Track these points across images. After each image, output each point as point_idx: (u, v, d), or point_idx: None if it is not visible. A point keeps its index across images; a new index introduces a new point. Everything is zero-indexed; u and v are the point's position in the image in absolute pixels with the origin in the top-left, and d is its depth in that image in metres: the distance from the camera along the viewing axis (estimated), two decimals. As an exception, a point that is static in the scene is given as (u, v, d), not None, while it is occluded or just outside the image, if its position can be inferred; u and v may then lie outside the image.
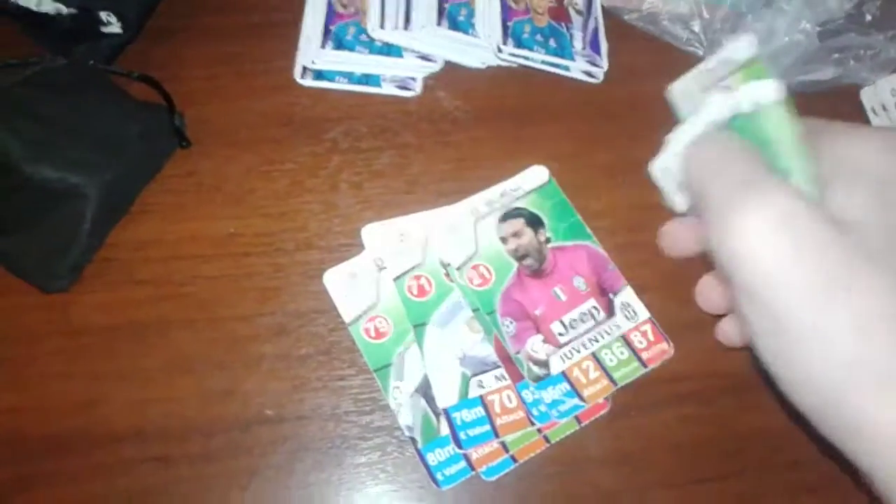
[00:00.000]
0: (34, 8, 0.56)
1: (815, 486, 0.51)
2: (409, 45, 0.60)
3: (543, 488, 0.50)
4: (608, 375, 0.53)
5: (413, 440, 0.50)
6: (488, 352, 0.52)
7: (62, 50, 0.57)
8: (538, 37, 0.62)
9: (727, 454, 0.52)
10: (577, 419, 0.51)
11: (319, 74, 0.61)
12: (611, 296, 0.55)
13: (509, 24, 0.61)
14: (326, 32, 0.60)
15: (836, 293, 0.24)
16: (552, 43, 0.62)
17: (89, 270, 0.54)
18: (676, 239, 0.36)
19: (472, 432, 0.50)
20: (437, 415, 0.51)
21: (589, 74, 0.62)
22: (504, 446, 0.50)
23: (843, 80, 0.63)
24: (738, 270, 0.26)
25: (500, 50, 0.60)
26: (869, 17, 0.62)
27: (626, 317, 0.54)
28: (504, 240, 0.56)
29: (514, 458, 0.50)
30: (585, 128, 0.61)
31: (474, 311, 0.53)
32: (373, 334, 0.52)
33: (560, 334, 0.53)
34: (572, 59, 0.62)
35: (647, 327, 0.54)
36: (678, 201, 0.33)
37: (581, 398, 0.51)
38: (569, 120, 0.61)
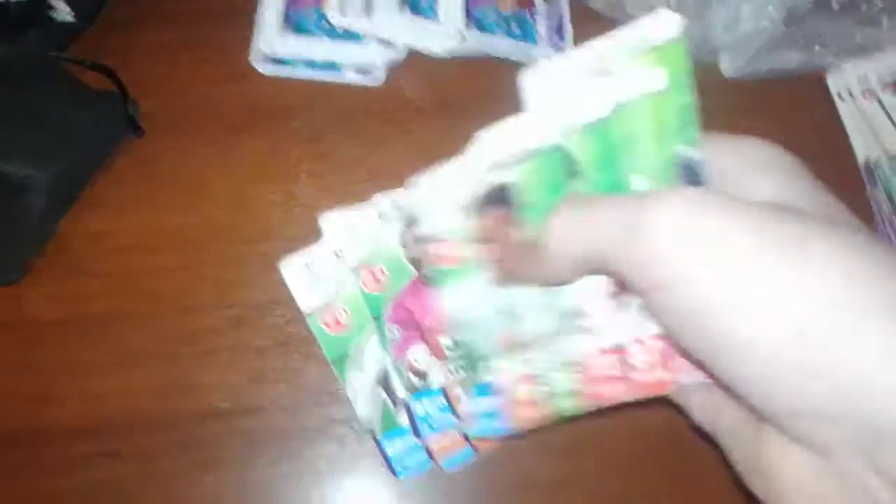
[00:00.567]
0: (-20, -7, 0.55)
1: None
2: (371, 31, 0.59)
3: (504, 478, 0.50)
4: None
5: (372, 431, 0.49)
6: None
7: (10, 37, 0.55)
8: (502, 22, 0.61)
9: (681, 439, 0.51)
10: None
11: (278, 61, 0.59)
12: None
13: (473, 9, 0.60)
14: (285, 18, 0.59)
15: (788, 251, 0.24)
16: (516, 29, 0.61)
17: (40, 263, 0.52)
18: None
19: (435, 423, 0.49)
20: (396, 406, 0.50)
21: (553, 61, 0.62)
22: (465, 436, 0.49)
23: (810, 66, 0.62)
24: (655, 269, 0.25)
25: (463, 36, 0.59)
26: (835, 2, 0.61)
27: None
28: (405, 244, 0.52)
29: (474, 448, 0.49)
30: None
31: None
32: (331, 325, 0.51)
33: (448, 348, 0.49)
34: (536, 44, 0.61)
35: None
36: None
37: (455, 414, 0.49)
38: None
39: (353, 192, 0.56)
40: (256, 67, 0.59)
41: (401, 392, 0.50)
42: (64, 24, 0.57)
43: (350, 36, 0.59)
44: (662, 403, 0.51)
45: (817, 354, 0.23)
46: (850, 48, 0.62)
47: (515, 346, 0.36)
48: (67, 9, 0.57)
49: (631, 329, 0.33)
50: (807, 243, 0.24)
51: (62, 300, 0.52)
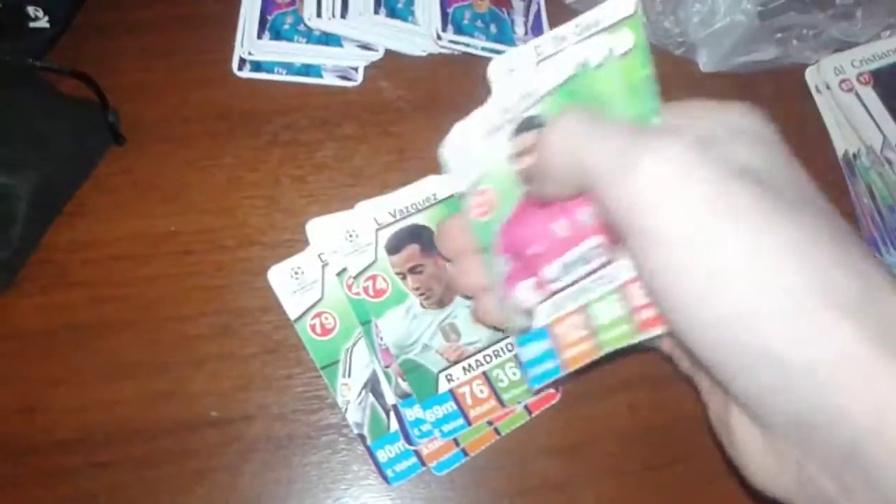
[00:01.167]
0: (-45, 3, 0.54)
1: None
2: (347, 33, 0.59)
3: (494, 481, 0.50)
4: (595, 336, 0.40)
5: (362, 437, 0.50)
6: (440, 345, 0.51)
7: (-15, 46, 0.55)
8: (479, 23, 0.61)
9: (677, 440, 0.52)
10: (528, 409, 0.51)
11: (257, 66, 0.59)
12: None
13: (449, 10, 0.60)
14: (263, 22, 0.59)
15: (751, 224, 0.25)
16: (493, 29, 0.61)
17: (24, 273, 0.52)
18: (454, 236, 0.38)
19: (425, 427, 0.50)
20: (386, 411, 0.50)
21: (532, 59, 0.62)
22: (455, 440, 0.50)
23: (786, 60, 0.63)
24: (647, 217, 0.26)
25: (439, 37, 0.59)
26: (808, -3, 0.62)
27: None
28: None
29: (464, 452, 0.50)
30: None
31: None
32: (319, 331, 0.52)
33: (552, 280, 0.40)
34: (514, 44, 0.61)
35: None
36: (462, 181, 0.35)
37: (562, 360, 0.41)
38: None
39: (335, 196, 0.56)
40: (235, 72, 0.59)
41: (390, 397, 0.50)
42: (39, 32, 0.57)
43: (328, 39, 0.59)
44: (664, 404, 0.52)
45: (760, 337, 0.24)
46: (826, 42, 0.63)
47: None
48: (43, 15, 0.56)
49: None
50: (771, 227, 0.25)
51: (48, 310, 0.52)
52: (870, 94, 0.62)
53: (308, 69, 0.60)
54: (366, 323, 0.51)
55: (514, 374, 0.51)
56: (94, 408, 0.50)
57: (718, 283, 0.25)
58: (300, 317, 0.52)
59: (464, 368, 0.51)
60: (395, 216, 0.53)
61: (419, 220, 0.53)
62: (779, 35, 0.62)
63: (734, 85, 0.63)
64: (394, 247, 0.52)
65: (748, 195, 0.25)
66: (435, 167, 0.56)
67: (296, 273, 0.53)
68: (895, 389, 0.23)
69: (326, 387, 0.51)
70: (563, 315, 0.39)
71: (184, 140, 0.57)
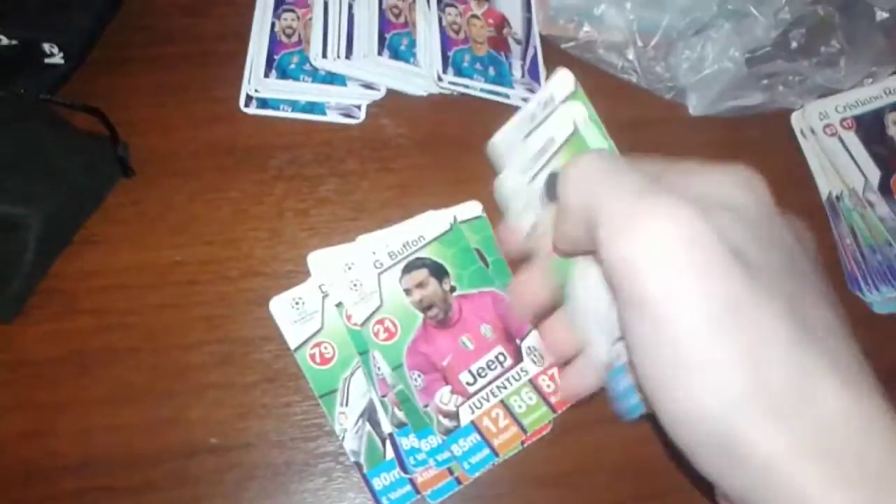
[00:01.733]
0: (-28, 38, 0.56)
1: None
2: (351, 73, 0.61)
3: (487, 510, 0.51)
4: (518, 423, 0.53)
5: (358, 465, 0.51)
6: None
7: (1, 81, 0.57)
8: (478, 65, 0.63)
9: (669, 470, 0.53)
10: (521, 441, 0.53)
11: (264, 103, 0.61)
12: (518, 341, 0.55)
13: (449, 53, 0.62)
14: (270, 61, 0.61)
15: (732, 320, 0.24)
16: (492, 71, 0.63)
17: (33, 302, 0.54)
18: (530, 291, 0.36)
19: (420, 456, 0.51)
20: (382, 440, 0.51)
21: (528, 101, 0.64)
22: (448, 469, 0.51)
23: (773, 105, 0.65)
24: (631, 283, 0.25)
25: (440, 79, 0.61)
26: (795, 45, 0.64)
27: (533, 361, 0.55)
28: (408, 291, 0.55)
29: (458, 481, 0.51)
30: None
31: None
32: (318, 360, 0.53)
33: (468, 384, 0.53)
34: (511, 86, 0.63)
35: (555, 370, 0.54)
36: (525, 219, 0.36)
37: (492, 449, 0.52)
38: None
39: (337, 229, 0.58)
40: (242, 109, 0.61)
41: (386, 426, 0.51)
42: (54, 67, 0.59)
43: (333, 78, 0.61)
44: (653, 437, 0.53)
45: (739, 435, 0.24)
46: (811, 88, 0.65)
47: None
48: (58, 52, 0.58)
49: None
50: (754, 322, 0.24)
51: (55, 337, 0.53)
52: (852, 139, 0.64)
53: (312, 107, 0.62)
54: (364, 353, 0.53)
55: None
56: (98, 433, 0.51)
57: (683, 374, 0.25)
58: (300, 346, 0.53)
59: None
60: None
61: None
62: (765, 81, 0.65)
63: (722, 128, 0.65)
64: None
65: (739, 285, 0.25)
66: (433, 203, 0.58)
67: (297, 303, 0.54)
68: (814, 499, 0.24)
69: (324, 415, 0.52)
70: (484, 411, 0.52)
71: (191, 173, 0.59)
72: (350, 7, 0.63)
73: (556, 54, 0.66)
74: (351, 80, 0.62)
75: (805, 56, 0.64)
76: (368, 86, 0.62)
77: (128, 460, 0.51)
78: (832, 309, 0.27)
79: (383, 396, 0.52)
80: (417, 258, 0.56)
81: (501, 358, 0.54)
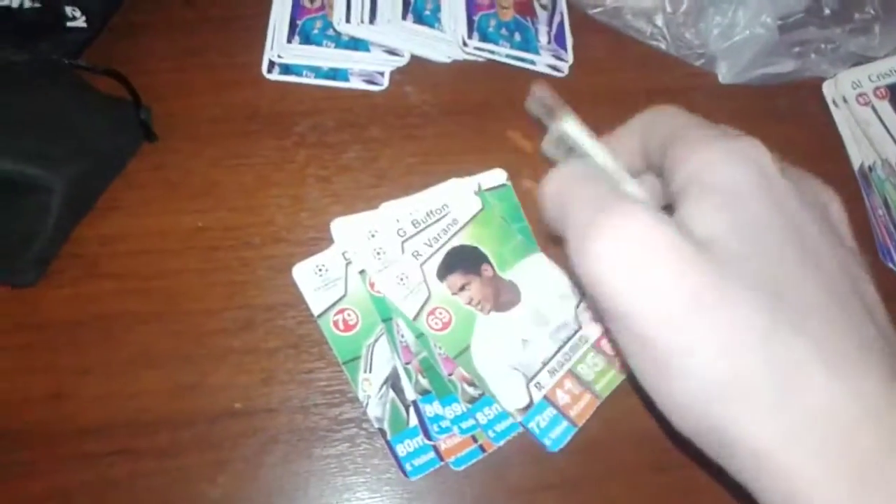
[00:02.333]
0: (-4, 1, 0.56)
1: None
2: (375, 39, 0.60)
3: (511, 478, 0.51)
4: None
5: (382, 431, 0.51)
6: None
7: (24, 45, 0.56)
8: (503, 31, 0.62)
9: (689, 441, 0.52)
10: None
11: (286, 69, 0.61)
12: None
13: (475, 18, 0.62)
14: (293, 26, 0.61)
15: (701, 312, 0.24)
16: (517, 37, 0.62)
17: (55, 265, 0.53)
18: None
19: (443, 423, 0.51)
20: (406, 406, 0.51)
21: (554, 68, 0.63)
22: (472, 436, 0.51)
23: (804, 74, 0.64)
24: (599, 296, 0.26)
25: (465, 44, 0.60)
26: (828, 11, 0.63)
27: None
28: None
29: (482, 448, 0.51)
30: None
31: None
32: (341, 327, 0.53)
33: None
34: (537, 52, 0.62)
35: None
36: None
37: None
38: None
39: (359, 196, 0.58)
40: (265, 74, 0.60)
41: (410, 393, 0.51)
42: (76, 31, 0.58)
43: (356, 44, 0.61)
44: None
45: (725, 423, 0.24)
46: (844, 56, 0.64)
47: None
48: (80, 16, 0.58)
49: None
50: (727, 312, 0.24)
51: (77, 301, 0.53)
52: (886, 108, 0.62)
53: (335, 73, 0.61)
54: (387, 320, 0.52)
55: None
56: (119, 397, 0.51)
57: (663, 368, 0.25)
58: (323, 313, 0.53)
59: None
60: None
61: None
62: (797, 49, 0.63)
63: (753, 96, 0.64)
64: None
65: (707, 276, 0.25)
66: (457, 171, 0.57)
67: (320, 270, 0.54)
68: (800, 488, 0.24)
69: (348, 381, 0.52)
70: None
71: (213, 139, 0.58)
72: (374, -29, 0.62)
73: (583, 20, 0.65)
74: (374, 45, 0.61)
75: (838, 23, 0.63)
76: (392, 52, 0.62)
77: (150, 424, 0.50)
78: (841, 280, 0.26)
79: (407, 364, 0.52)
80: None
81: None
